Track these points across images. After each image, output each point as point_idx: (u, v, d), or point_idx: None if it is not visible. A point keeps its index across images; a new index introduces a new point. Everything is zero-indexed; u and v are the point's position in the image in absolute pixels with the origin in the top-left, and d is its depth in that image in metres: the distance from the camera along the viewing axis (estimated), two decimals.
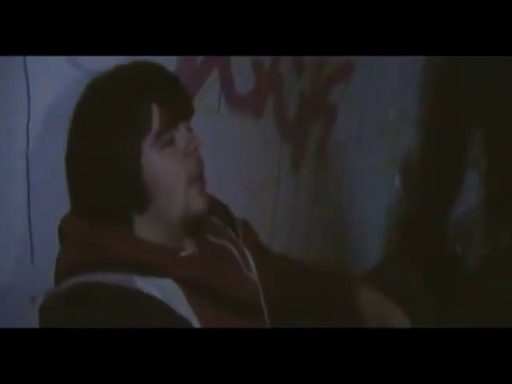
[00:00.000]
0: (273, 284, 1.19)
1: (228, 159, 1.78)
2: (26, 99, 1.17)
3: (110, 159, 0.96)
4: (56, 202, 1.22)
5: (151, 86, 0.99)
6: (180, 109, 1.02)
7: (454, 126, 2.92)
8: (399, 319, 1.13)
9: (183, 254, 1.03)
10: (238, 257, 1.12)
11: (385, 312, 1.14)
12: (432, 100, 2.92)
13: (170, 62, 1.44)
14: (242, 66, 1.78)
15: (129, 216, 1.00)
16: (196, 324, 0.96)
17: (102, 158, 0.96)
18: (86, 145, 0.98)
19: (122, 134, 0.96)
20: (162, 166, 0.98)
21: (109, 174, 0.97)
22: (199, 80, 1.63)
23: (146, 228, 1.01)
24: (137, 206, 0.99)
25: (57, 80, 1.21)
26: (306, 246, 2.32)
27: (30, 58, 1.15)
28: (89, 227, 0.99)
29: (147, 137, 0.97)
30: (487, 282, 2.58)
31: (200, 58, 1.60)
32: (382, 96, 2.66)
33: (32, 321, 0.98)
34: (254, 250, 1.18)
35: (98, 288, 0.92)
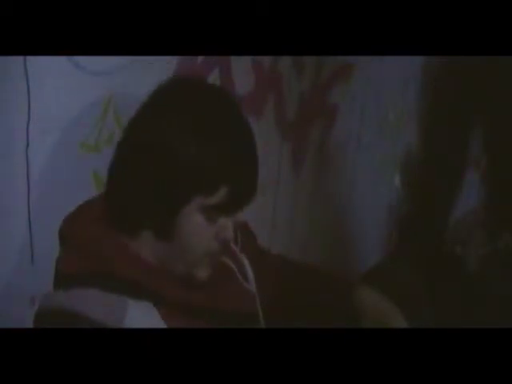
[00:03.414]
0: (272, 285, 1.19)
1: None
2: (26, 99, 1.17)
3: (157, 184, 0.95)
4: (56, 202, 1.22)
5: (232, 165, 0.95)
6: (242, 202, 0.99)
7: (453, 125, 2.92)
8: (399, 319, 1.13)
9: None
10: (236, 271, 1.11)
11: (384, 312, 1.14)
12: (432, 100, 2.91)
13: (170, 62, 1.44)
14: (242, 66, 1.78)
15: (143, 233, 0.99)
16: None
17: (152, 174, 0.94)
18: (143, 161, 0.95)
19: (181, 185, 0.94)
20: (194, 228, 0.97)
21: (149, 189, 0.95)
22: None
23: (149, 247, 1.00)
24: (156, 232, 0.98)
25: (57, 80, 1.21)
26: (305, 246, 2.32)
27: (30, 58, 1.15)
28: (91, 233, 0.98)
29: (200, 200, 0.95)
30: (487, 282, 2.58)
31: (200, 58, 1.60)
32: (382, 96, 2.66)
33: (32, 321, 0.98)
34: (252, 255, 1.18)
35: (83, 322, 0.91)
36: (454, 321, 2.00)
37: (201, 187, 0.94)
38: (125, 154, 0.98)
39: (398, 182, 2.98)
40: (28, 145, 1.19)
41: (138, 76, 1.32)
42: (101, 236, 0.98)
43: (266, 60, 1.91)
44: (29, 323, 0.98)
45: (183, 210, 0.95)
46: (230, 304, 1.04)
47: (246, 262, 1.15)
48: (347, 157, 2.55)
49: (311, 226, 2.39)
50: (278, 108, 2.02)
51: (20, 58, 1.14)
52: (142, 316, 0.94)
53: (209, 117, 0.95)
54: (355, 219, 2.71)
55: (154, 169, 0.94)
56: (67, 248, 1.00)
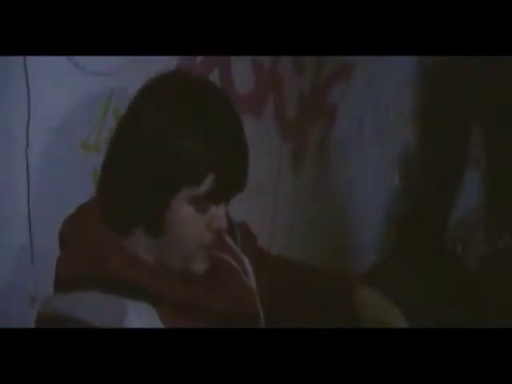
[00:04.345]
0: (272, 285, 1.19)
1: None
2: (26, 99, 1.17)
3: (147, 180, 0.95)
4: (56, 202, 1.22)
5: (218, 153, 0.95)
6: (231, 190, 0.99)
7: (453, 125, 2.92)
8: (398, 319, 1.13)
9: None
10: (236, 268, 1.11)
11: (384, 312, 1.14)
12: (432, 100, 2.92)
13: (170, 62, 1.45)
14: (241, 66, 1.78)
15: (135, 230, 0.99)
16: None
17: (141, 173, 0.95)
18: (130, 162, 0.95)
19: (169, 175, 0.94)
20: (185, 220, 0.96)
21: (138, 186, 0.95)
22: None
23: (144, 245, 1.00)
24: (148, 228, 0.98)
25: (57, 80, 1.21)
26: (305, 246, 2.32)
27: (30, 58, 1.15)
28: (90, 235, 0.98)
29: (187, 191, 0.95)
30: (487, 282, 2.58)
31: (200, 58, 1.60)
32: (382, 96, 2.66)
33: (32, 321, 0.98)
34: (252, 254, 1.18)
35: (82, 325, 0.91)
36: (454, 321, 2.00)
37: (187, 177, 0.94)
38: (113, 151, 0.99)
39: (398, 182, 2.98)
40: (28, 145, 1.19)
41: (138, 76, 1.32)
42: (99, 238, 0.98)
43: (266, 60, 1.91)
44: (29, 323, 0.98)
45: (172, 202, 0.95)
46: (230, 302, 1.04)
47: (246, 260, 1.15)
48: (347, 157, 2.55)
49: (311, 226, 2.39)
50: (278, 108, 2.02)
51: (20, 58, 1.14)
52: (141, 318, 0.94)
53: (194, 107, 0.95)
54: (355, 219, 2.71)
55: (141, 163, 0.94)
56: (67, 250, 1.00)
